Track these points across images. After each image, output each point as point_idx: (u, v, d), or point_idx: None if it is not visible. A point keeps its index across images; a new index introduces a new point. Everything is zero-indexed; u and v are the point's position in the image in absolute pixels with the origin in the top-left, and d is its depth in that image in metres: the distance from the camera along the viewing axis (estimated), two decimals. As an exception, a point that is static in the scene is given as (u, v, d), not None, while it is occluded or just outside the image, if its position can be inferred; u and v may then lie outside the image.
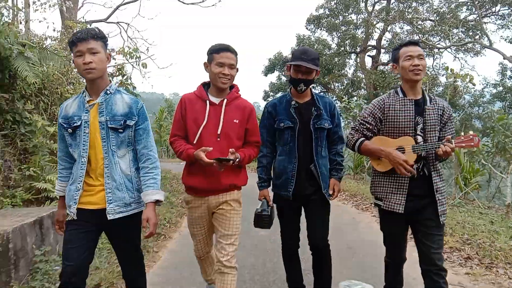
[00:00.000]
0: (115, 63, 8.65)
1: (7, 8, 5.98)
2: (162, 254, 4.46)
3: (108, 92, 2.46)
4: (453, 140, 2.59)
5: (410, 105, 2.74)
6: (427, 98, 2.80)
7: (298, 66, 2.91)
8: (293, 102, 3.03)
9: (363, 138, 2.85)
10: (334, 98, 20.97)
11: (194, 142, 2.73)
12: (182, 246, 4.65)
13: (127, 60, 8.69)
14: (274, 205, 3.14)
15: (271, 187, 3.18)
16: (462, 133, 2.59)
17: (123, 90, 2.64)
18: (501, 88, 25.56)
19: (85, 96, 2.45)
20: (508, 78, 24.80)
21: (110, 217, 2.38)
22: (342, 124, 3.20)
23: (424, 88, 2.91)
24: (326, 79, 23.04)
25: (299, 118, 3.00)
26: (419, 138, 2.72)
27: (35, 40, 6.66)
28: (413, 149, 2.66)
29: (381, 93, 21.50)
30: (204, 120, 2.74)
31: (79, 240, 2.39)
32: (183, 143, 2.80)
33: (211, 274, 3.09)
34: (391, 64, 2.96)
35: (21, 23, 6.90)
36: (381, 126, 2.84)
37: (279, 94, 25.83)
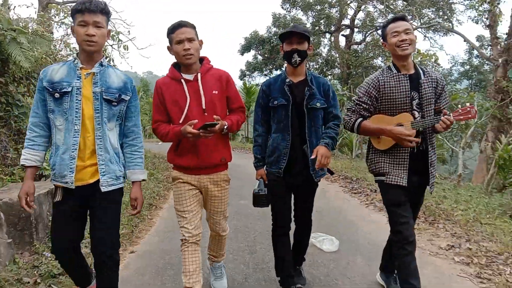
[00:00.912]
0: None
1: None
2: (156, 221, 5.02)
3: (102, 64, 2.45)
4: (451, 114, 2.58)
5: (405, 80, 2.73)
6: (420, 71, 2.78)
7: (289, 38, 2.91)
8: (287, 80, 3.00)
9: (361, 119, 2.84)
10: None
11: (180, 121, 2.72)
12: (173, 215, 5.16)
13: (109, 43, 9.01)
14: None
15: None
16: (460, 106, 2.67)
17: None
18: (468, 66, 26.57)
19: (76, 63, 2.40)
20: (475, 57, 25.80)
21: (103, 189, 2.39)
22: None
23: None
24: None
25: (292, 96, 2.98)
26: (416, 114, 2.72)
27: (23, 24, 6.93)
28: (412, 125, 2.66)
29: (354, 72, 22.15)
30: (187, 99, 2.74)
31: (70, 218, 2.43)
32: (167, 125, 2.80)
33: (193, 281, 2.76)
34: (381, 42, 2.99)
35: (8, 8, 7.13)
36: (377, 104, 2.82)
37: (256, 73, 26.19)
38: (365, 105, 2.81)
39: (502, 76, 10.32)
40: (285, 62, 3.11)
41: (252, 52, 25.75)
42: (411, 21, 22.46)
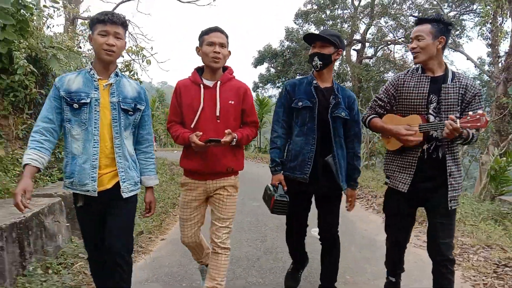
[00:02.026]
0: (123, 59, 9.65)
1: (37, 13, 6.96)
2: (177, 220, 5.63)
3: (118, 74, 2.50)
4: (458, 120, 2.40)
5: (425, 82, 2.62)
6: (450, 75, 2.62)
7: (313, 42, 2.89)
8: (314, 82, 2.93)
9: (374, 115, 2.82)
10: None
11: (192, 126, 2.74)
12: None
13: (133, 58, 9.76)
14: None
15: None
16: (471, 113, 2.40)
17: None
18: (478, 82, 26.96)
19: (93, 74, 2.43)
20: (485, 73, 26.21)
21: (125, 195, 2.45)
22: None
23: None
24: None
25: (319, 100, 2.89)
26: (431, 118, 2.59)
27: (58, 40, 7.69)
28: (419, 128, 2.56)
29: (365, 86, 22.58)
30: (200, 104, 2.75)
31: (95, 225, 2.52)
32: (179, 127, 2.82)
33: (202, 257, 3.13)
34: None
35: (47, 27, 7.91)
36: (395, 103, 2.75)
37: (268, 85, 26.69)
38: (381, 102, 2.79)
39: (502, 92, 10.85)
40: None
41: (265, 65, 26.28)
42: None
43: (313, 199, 3.06)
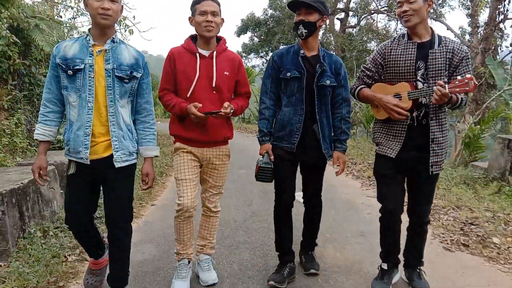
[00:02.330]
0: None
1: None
2: (168, 185, 5.88)
3: (114, 40, 2.43)
4: (446, 85, 2.39)
5: (412, 48, 2.60)
6: (436, 40, 2.59)
7: (298, 9, 2.82)
8: (301, 51, 2.88)
9: (362, 85, 2.79)
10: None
11: (188, 95, 2.73)
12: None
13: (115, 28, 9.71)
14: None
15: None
16: (459, 77, 2.40)
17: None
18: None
19: (89, 40, 2.39)
20: (465, 43, 26.50)
21: (117, 165, 2.42)
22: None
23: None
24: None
25: (307, 69, 2.86)
26: (420, 84, 2.58)
27: (40, 10, 7.59)
28: (408, 96, 2.55)
29: (348, 56, 22.65)
30: (197, 74, 2.73)
31: (84, 191, 2.47)
32: (173, 96, 2.79)
33: (187, 247, 2.93)
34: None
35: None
36: (383, 72, 2.72)
37: (252, 55, 26.50)
38: (369, 72, 2.76)
39: (480, 62, 11.14)
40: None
41: (249, 34, 25.99)
42: None
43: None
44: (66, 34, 8.28)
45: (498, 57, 12.08)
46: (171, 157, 3.68)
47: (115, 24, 2.52)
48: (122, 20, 9.55)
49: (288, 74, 2.86)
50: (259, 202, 4.96)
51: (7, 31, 5.62)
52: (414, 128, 2.60)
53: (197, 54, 2.74)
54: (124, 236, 2.57)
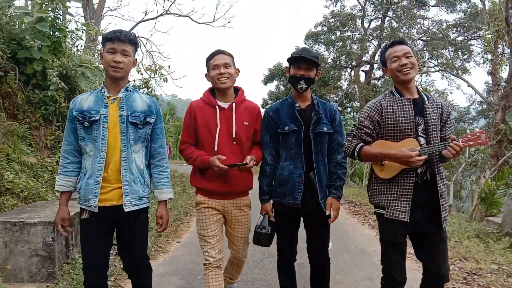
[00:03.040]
0: (142, 77, 10.31)
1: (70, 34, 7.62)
2: (193, 224, 6.31)
3: (128, 89, 2.53)
4: (459, 139, 2.41)
5: (408, 105, 2.59)
6: (424, 97, 2.64)
7: (298, 63, 2.83)
8: (296, 105, 2.89)
9: (362, 144, 2.66)
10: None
11: (215, 150, 2.77)
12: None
13: (151, 76, 10.44)
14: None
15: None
16: (468, 131, 2.72)
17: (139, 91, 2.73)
18: (485, 106, 27.20)
19: (104, 92, 2.49)
20: (485, 100, 26.38)
21: (126, 209, 2.43)
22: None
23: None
24: (322, 91, 23.92)
25: (304, 122, 2.86)
26: (422, 140, 2.56)
27: (86, 59, 8.36)
28: (420, 152, 2.46)
29: None
30: (218, 126, 2.78)
31: (97, 239, 2.48)
32: (194, 149, 2.86)
33: (231, 272, 3.16)
34: (382, 68, 2.81)
35: (75, 46, 8.61)
36: (379, 129, 2.65)
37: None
38: (367, 129, 2.65)
39: (501, 119, 11.34)
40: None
41: (275, 82, 26.78)
42: (429, 61, 23.41)
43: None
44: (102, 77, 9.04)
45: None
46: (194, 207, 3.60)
47: (128, 75, 2.58)
48: (158, 69, 10.33)
49: (286, 128, 2.86)
50: (275, 244, 5.15)
51: (57, 78, 6.30)
52: (419, 185, 2.54)
53: (217, 107, 2.83)
54: (146, 270, 2.63)
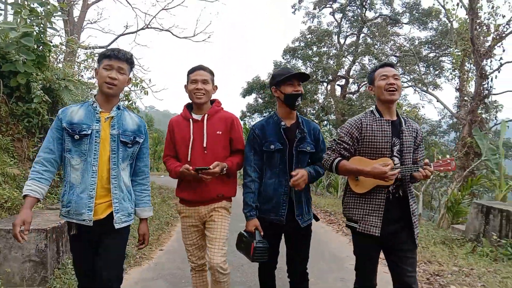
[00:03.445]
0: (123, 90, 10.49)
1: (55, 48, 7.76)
2: (174, 233, 6.54)
3: (119, 107, 2.56)
4: (431, 164, 2.59)
5: (387, 126, 2.70)
6: (402, 119, 2.77)
7: (292, 79, 2.88)
8: (282, 123, 2.92)
9: (340, 158, 2.76)
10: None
11: (189, 159, 2.89)
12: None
13: (133, 89, 10.63)
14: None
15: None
16: (440, 157, 2.52)
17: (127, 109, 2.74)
18: (455, 119, 28.11)
19: (95, 107, 2.48)
20: (453, 114, 27.24)
21: (117, 226, 2.46)
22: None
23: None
24: (299, 105, 24.09)
25: (289, 141, 2.90)
26: (396, 160, 2.67)
27: (68, 72, 8.48)
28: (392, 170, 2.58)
29: (348, 120, 23.16)
30: (191, 137, 2.90)
31: (87, 254, 2.51)
32: (173, 161, 2.99)
33: None
34: (367, 86, 2.88)
35: (59, 61, 8.75)
36: (358, 146, 2.75)
37: (256, 115, 27.31)
38: (345, 145, 2.75)
39: (467, 133, 11.95)
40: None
41: (253, 95, 27.07)
42: (402, 76, 24.12)
43: None
44: (88, 93, 9.18)
45: (486, 126, 12.87)
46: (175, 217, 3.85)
47: (120, 93, 2.61)
48: (140, 83, 10.53)
49: (272, 146, 2.88)
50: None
51: (41, 91, 6.43)
52: (390, 201, 2.68)
53: (190, 120, 2.96)
54: None
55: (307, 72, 23.46)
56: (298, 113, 3.02)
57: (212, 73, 2.98)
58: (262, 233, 2.85)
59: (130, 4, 15.38)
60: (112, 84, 2.43)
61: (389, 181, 2.59)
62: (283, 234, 3.04)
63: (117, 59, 2.45)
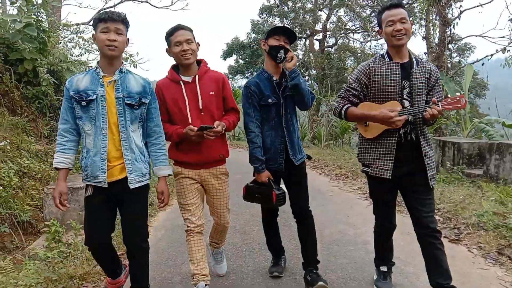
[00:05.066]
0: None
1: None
2: (169, 207, 6.39)
3: (122, 71, 2.55)
4: (439, 103, 2.49)
5: (396, 68, 2.65)
6: (414, 61, 2.70)
7: (279, 33, 2.95)
8: (273, 78, 3.01)
9: (349, 105, 2.78)
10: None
11: (190, 121, 2.83)
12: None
13: (123, 63, 11.35)
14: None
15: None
16: (449, 95, 2.42)
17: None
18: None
19: (98, 72, 2.51)
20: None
21: (131, 186, 2.52)
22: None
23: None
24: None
25: (281, 93, 3.00)
26: (406, 103, 2.63)
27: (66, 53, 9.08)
28: (399, 114, 2.56)
29: (328, 73, 23.38)
30: (186, 100, 2.85)
31: (102, 212, 2.59)
32: (169, 126, 2.89)
33: (200, 268, 2.91)
34: (376, 29, 2.85)
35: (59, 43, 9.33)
36: (367, 91, 2.74)
37: (238, 76, 27.72)
38: (354, 91, 2.77)
39: (435, 78, 12.92)
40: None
41: (234, 56, 27.44)
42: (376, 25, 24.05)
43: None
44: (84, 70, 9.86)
45: (450, 72, 13.88)
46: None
47: (122, 55, 2.66)
48: (129, 57, 11.22)
49: (269, 100, 3.01)
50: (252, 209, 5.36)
51: (48, 74, 7.20)
52: (402, 144, 2.68)
53: (181, 82, 2.90)
54: (143, 254, 2.70)
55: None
56: (283, 67, 3.09)
57: (191, 30, 2.92)
58: (272, 179, 3.04)
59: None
60: (112, 46, 2.45)
61: (396, 126, 2.58)
62: (281, 179, 3.22)
63: (112, 21, 2.47)
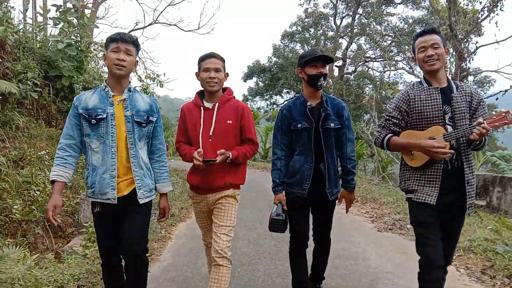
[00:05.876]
0: (142, 84, 11.78)
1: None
2: (188, 218, 6.82)
3: (130, 89, 2.62)
4: (485, 121, 2.41)
5: (436, 93, 2.61)
6: (453, 85, 2.64)
7: (316, 61, 2.95)
8: (308, 103, 3.02)
9: (391, 134, 2.75)
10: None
11: (201, 147, 2.87)
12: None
13: (151, 83, 11.92)
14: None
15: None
16: (494, 112, 2.40)
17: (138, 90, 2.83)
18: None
19: (107, 91, 2.56)
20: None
21: (141, 201, 2.59)
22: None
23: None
24: (299, 86, 24.48)
25: (314, 120, 3.00)
26: (449, 128, 2.56)
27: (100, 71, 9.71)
28: (444, 138, 2.52)
29: (346, 100, 23.27)
30: (201, 125, 2.90)
31: (112, 230, 2.65)
32: (186, 146, 2.99)
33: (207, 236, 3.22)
34: (411, 56, 2.82)
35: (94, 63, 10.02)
36: (408, 119, 2.70)
37: (257, 98, 27.97)
38: (395, 120, 2.74)
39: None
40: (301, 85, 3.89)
41: (254, 79, 27.70)
42: (396, 54, 24.71)
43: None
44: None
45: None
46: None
47: (129, 75, 2.70)
48: (156, 77, 11.86)
49: (299, 125, 3.03)
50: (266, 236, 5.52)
51: (83, 91, 7.77)
52: (448, 171, 2.59)
53: (201, 107, 2.96)
54: (142, 265, 2.66)
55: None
56: (324, 93, 3.12)
57: (223, 60, 2.99)
58: (284, 207, 3.06)
59: (137, 0, 16.48)
60: (121, 66, 2.51)
61: (440, 156, 2.50)
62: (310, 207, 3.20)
63: (123, 42, 2.54)
